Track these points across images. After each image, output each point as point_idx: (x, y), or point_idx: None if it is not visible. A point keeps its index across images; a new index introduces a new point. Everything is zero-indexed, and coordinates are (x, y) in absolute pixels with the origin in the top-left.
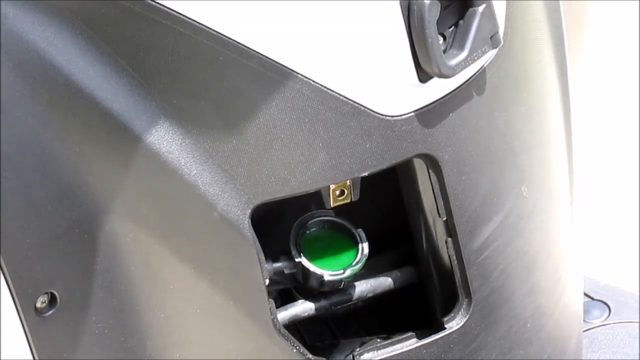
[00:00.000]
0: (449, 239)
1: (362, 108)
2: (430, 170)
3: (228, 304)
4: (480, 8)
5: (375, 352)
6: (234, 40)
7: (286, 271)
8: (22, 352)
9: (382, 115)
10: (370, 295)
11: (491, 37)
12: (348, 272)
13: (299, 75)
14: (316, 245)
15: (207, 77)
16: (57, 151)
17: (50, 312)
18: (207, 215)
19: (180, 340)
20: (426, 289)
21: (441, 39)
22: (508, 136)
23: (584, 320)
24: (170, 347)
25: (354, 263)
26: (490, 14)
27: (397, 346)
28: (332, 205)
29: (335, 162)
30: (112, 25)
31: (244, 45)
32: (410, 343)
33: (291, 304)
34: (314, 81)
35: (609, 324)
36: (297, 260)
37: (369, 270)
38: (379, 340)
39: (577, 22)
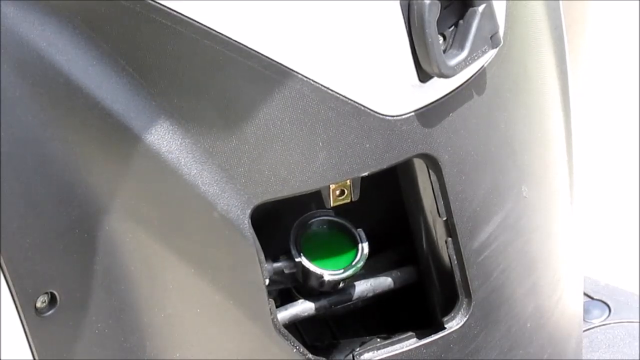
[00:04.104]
0: (449, 238)
1: (362, 108)
2: (430, 170)
3: (228, 304)
4: (480, 8)
5: (375, 351)
6: (233, 40)
7: (286, 271)
8: (22, 352)
9: (382, 115)
10: (370, 295)
11: (491, 37)
12: (348, 272)
13: (299, 75)
14: (316, 245)
15: (207, 76)
16: (57, 151)
17: (50, 312)
18: (207, 215)
19: (180, 340)
20: (426, 289)
21: (441, 39)
22: (508, 136)
23: (584, 320)
24: (170, 347)
25: (353, 263)
26: (490, 13)
27: (397, 346)
28: (332, 205)
29: (335, 162)
30: (112, 25)
31: (244, 45)
32: (410, 343)
33: (291, 303)
34: (314, 81)
35: (609, 323)
36: (297, 260)
37: (369, 270)
38: (379, 340)
39: (578, 22)
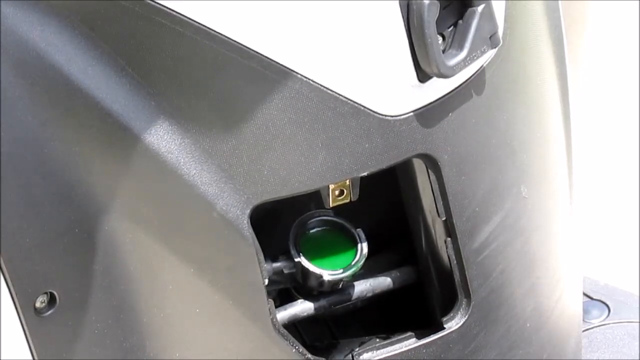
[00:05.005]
0: (448, 238)
1: (362, 108)
2: (429, 170)
3: (227, 304)
4: (480, 8)
5: (375, 351)
6: (233, 40)
7: (285, 271)
8: (22, 352)
9: (382, 115)
10: (369, 295)
11: (490, 37)
12: (347, 272)
13: (299, 75)
14: (315, 245)
15: (206, 77)
16: (56, 151)
17: (50, 312)
18: (206, 215)
19: (179, 340)
20: (425, 289)
21: (440, 39)
22: (507, 136)
23: (583, 320)
24: (170, 347)
25: (353, 263)
26: (489, 13)
27: (397, 346)
28: (331, 205)
29: (335, 162)
30: (112, 25)
31: (244, 45)
32: (409, 343)
33: (290, 303)
34: (313, 81)
35: (609, 324)
36: (296, 260)
37: (368, 270)
38: (378, 340)
39: (578, 22)
